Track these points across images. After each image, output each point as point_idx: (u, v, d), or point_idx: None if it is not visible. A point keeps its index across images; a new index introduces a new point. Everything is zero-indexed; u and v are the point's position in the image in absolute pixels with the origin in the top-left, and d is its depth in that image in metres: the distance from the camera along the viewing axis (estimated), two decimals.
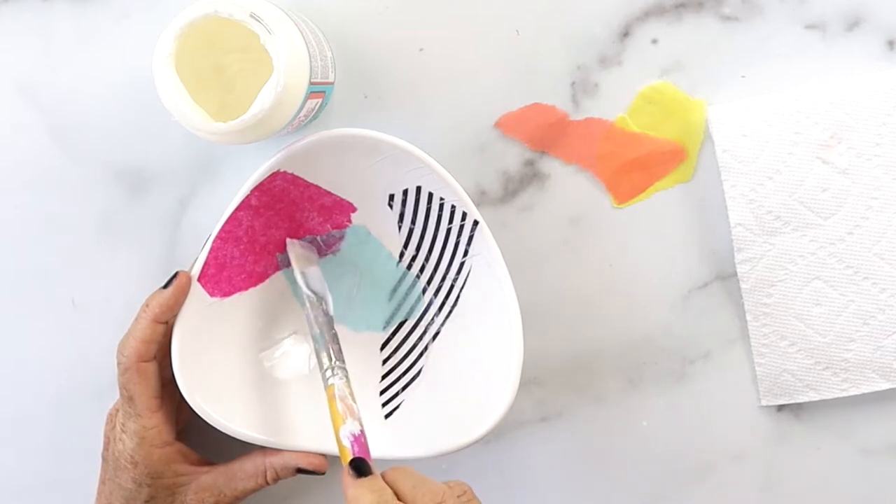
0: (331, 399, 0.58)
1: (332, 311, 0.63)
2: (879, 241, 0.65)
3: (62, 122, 0.68)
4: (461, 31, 0.66)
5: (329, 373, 0.60)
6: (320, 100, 0.62)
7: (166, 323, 0.62)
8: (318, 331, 0.62)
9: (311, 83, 0.58)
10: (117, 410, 0.64)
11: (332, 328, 0.63)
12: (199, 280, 0.63)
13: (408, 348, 0.68)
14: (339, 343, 0.62)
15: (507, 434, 0.69)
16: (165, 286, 0.62)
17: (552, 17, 0.66)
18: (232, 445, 0.64)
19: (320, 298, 0.63)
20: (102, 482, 0.65)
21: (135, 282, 0.69)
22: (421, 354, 0.67)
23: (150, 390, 0.62)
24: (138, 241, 0.69)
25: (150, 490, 0.63)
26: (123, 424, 0.63)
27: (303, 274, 0.63)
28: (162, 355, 0.63)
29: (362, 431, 0.57)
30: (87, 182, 0.68)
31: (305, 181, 0.64)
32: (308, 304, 0.63)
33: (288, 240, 0.66)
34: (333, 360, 0.60)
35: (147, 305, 0.63)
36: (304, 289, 0.63)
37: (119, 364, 0.62)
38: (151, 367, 0.62)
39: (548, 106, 0.67)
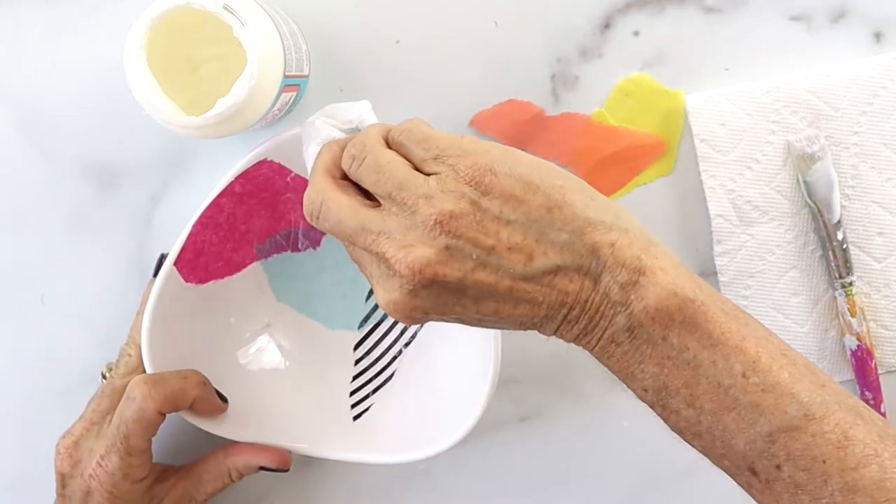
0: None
1: (835, 219, 0.64)
2: (856, 230, 0.65)
3: (31, 116, 0.67)
4: (439, 23, 0.66)
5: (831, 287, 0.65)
6: (295, 93, 0.62)
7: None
8: (823, 238, 0.65)
9: (286, 76, 0.58)
10: (74, 443, 0.63)
11: (835, 237, 0.65)
12: (175, 265, 0.62)
13: (382, 350, 0.67)
14: (845, 254, 0.65)
15: (485, 434, 0.68)
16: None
17: (532, 9, 0.65)
18: (194, 433, 0.64)
19: (820, 208, 0.64)
20: None
21: (104, 279, 0.69)
22: (395, 358, 0.67)
23: (149, 434, 0.61)
24: (108, 237, 0.68)
25: None
26: (103, 458, 0.62)
27: (806, 183, 0.64)
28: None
29: (859, 346, 0.64)
30: (57, 177, 0.68)
31: (291, 171, 0.63)
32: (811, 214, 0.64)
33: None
34: (834, 273, 0.65)
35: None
36: (807, 198, 0.64)
37: (129, 409, 0.60)
38: (160, 418, 0.61)
39: (523, 102, 0.66)
